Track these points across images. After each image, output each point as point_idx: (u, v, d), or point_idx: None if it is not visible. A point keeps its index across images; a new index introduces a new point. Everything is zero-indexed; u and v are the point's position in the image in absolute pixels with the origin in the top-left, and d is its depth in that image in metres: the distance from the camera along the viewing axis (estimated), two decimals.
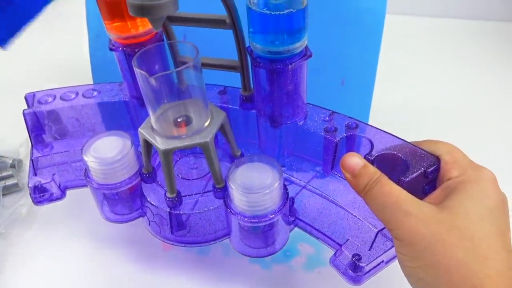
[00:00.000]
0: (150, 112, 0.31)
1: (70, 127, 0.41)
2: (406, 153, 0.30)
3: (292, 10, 0.27)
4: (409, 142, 0.32)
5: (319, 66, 0.42)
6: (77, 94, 0.41)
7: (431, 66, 0.68)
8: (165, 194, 0.33)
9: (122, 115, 0.41)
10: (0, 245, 0.43)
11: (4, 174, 0.49)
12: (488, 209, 0.26)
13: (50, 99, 0.40)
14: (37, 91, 0.41)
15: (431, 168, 0.29)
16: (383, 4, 0.41)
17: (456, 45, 0.73)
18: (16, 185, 0.48)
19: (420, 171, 0.29)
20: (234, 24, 0.30)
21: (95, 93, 0.41)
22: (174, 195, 0.32)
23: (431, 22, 0.80)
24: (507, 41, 0.74)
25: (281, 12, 0.27)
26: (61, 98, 0.40)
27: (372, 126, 0.34)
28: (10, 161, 0.51)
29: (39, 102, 0.40)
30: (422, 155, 0.30)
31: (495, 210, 0.26)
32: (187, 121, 0.31)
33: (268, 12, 0.28)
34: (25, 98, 0.41)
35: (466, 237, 0.25)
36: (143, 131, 0.32)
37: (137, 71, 0.28)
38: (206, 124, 0.31)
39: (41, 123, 0.41)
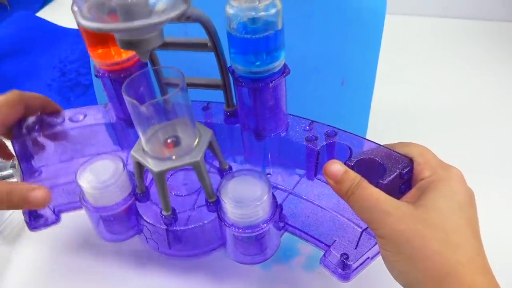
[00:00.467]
0: (141, 135, 0.32)
1: (59, 151, 0.42)
2: (382, 157, 0.33)
3: (271, 32, 0.29)
4: (384, 146, 0.34)
5: (319, 66, 0.43)
6: (64, 119, 0.41)
7: (431, 66, 0.69)
8: (160, 212, 0.35)
9: (110, 136, 0.42)
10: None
11: (4, 174, 0.50)
12: (458, 204, 0.28)
13: (37, 126, 0.41)
14: (23, 119, 0.42)
15: (406, 170, 0.32)
16: (383, 4, 0.41)
17: (456, 45, 0.73)
18: None
19: (396, 173, 0.32)
20: (215, 47, 0.32)
21: (81, 116, 0.42)
22: (170, 212, 0.34)
23: (431, 22, 0.80)
24: (508, 41, 0.74)
25: (259, 36, 0.29)
26: (48, 125, 0.41)
27: (349, 133, 0.36)
28: (10, 161, 0.51)
29: (26, 129, 0.41)
30: (397, 158, 0.33)
31: (464, 205, 0.29)
32: (177, 142, 0.33)
33: (247, 36, 0.30)
34: (12, 126, 0.42)
35: (439, 230, 0.27)
36: (135, 154, 0.33)
37: (127, 100, 0.29)
38: (195, 143, 0.33)
39: (30, 150, 0.41)
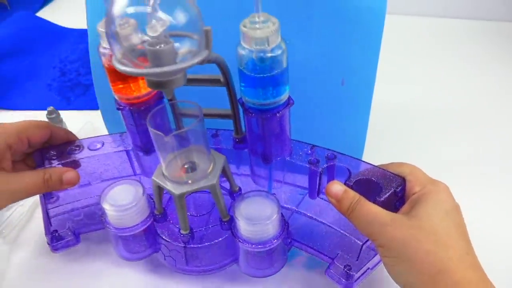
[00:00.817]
0: (162, 161, 0.36)
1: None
2: (378, 177, 0.37)
3: (277, 71, 0.34)
4: (378, 167, 0.38)
5: (319, 66, 0.43)
6: (82, 148, 0.45)
7: (431, 66, 0.69)
8: (178, 230, 0.38)
9: (125, 163, 0.46)
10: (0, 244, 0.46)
11: None
12: (445, 211, 0.33)
13: (57, 156, 0.44)
14: (43, 149, 0.45)
15: (399, 188, 0.36)
16: (383, 4, 0.41)
17: (456, 45, 0.73)
18: None
19: (391, 191, 0.36)
20: (227, 83, 0.36)
21: (99, 145, 0.45)
22: (188, 231, 0.37)
23: (431, 22, 0.80)
24: (508, 41, 0.74)
25: (267, 74, 0.33)
26: (68, 153, 0.44)
27: (347, 155, 0.40)
28: None
29: (47, 159, 0.44)
30: (391, 178, 0.37)
31: (450, 211, 0.33)
32: (193, 167, 0.37)
33: (257, 75, 0.33)
34: (33, 156, 0.45)
35: (431, 233, 0.31)
36: (156, 179, 0.36)
37: (153, 132, 0.33)
38: (210, 168, 0.36)
39: None
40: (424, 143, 0.56)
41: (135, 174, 0.47)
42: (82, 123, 0.61)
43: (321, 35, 0.42)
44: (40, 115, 0.58)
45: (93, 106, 0.64)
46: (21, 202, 0.50)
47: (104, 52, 0.37)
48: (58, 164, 0.44)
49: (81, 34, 0.82)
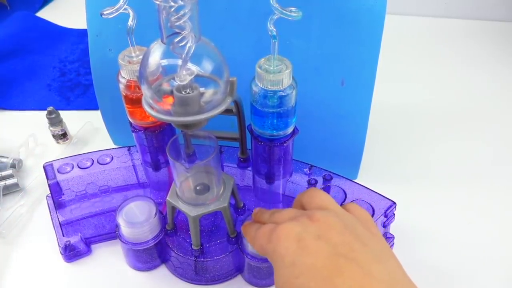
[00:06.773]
0: (177, 183, 0.39)
1: (88, 190, 0.47)
2: (368, 198, 0.42)
3: (286, 107, 0.37)
4: (368, 188, 0.43)
5: (319, 66, 0.44)
6: (92, 161, 0.47)
7: (431, 66, 0.69)
8: (189, 245, 0.41)
9: (132, 177, 0.48)
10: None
11: (4, 174, 0.52)
12: None
13: (68, 169, 0.46)
14: (54, 161, 0.47)
15: (389, 210, 0.41)
16: (383, 4, 0.41)
17: (456, 45, 0.74)
18: (16, 185, 0.51)
19: (381, 213, 0.40)
20: (239, 113, 0.39)
21: (108, 159, 0.48)
22: (199, 247, 0.41)
23: (431, 22, 0.81)
24: (508, 41, 0.74)
25: (278, 110, 0.37)
26: (78, 166, 0.47)
27: (342, 176, 0.44)
28: (10, 161, 0.54)
29: (58, 171, 0.46)
30: (380, 200, 0.41)
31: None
32: (206, 188, 0.40)
33: (268, 110, 0.37)
34: (44, 168, 0.47)
35: None
36: (171, 200, 0.40)
37: (176, 164, 0.36)
38: (221, 191, 0.40)
39: (62, 189, 0.47)
40: (423, 143, 0.57)
41: (141, 186, 0.49)
42: (82, 123, 0.62)
43: (321, 35, 0.43)
44: (40, 115, 0.60)
45: (93, 106, 0.65)
46: (21, 202, 0.51)
47: (122, 81, 0.39)
48: (69, 178, 0.46)
49: (81, 34, 0.82)
